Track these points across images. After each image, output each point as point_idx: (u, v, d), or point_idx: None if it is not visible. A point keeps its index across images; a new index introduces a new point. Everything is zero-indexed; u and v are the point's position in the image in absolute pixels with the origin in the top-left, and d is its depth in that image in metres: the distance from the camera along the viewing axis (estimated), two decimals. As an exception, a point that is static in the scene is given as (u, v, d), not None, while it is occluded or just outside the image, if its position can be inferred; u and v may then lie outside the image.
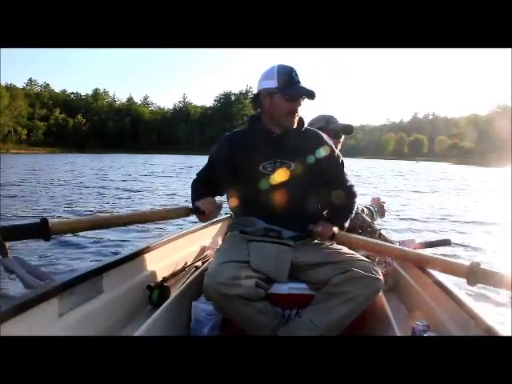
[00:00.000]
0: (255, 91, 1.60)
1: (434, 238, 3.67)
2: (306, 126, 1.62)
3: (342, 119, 2.10)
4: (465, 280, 1.41)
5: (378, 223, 2.36)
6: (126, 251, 1.76)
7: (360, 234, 1.97)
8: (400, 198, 11.30)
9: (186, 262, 2.08)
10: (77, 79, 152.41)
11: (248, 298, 1.33)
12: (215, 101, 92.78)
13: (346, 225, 1.65)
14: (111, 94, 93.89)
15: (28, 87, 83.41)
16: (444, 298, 1.42)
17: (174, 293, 1.64)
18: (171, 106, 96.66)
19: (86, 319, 1.31)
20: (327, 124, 2.05)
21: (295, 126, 1.55)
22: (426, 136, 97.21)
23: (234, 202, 1.61)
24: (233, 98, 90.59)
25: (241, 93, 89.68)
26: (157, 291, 1.68)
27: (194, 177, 1.74)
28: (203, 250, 2.43)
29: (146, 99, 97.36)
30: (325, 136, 1.65)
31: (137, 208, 8.19)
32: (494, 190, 15.70)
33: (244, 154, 1.56)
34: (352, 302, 1.37)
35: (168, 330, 1.45)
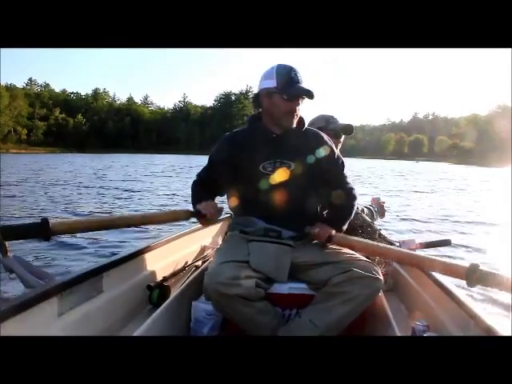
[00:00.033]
0: (256, 91, 1.60)
1: (434, 238, 3.67)
2: (306, 125, 1.62)
3: (342, 119, 2.10)
4: (464, 280, 1.41)
5: (379, 223, 2.36)
6: (125, 251, 1.76)
7: (360, 233, 1.96)
8: (400, 198, 11.30)
9: (186, 262, 2.08)
10: (77, 79, 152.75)
11: (248, 298, 1.33)
12: (215, 101, 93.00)
13: (344, 227, 1.62)
14: (111, 94, 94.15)
15: (28, 87, 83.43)
16: (444, 298, 1.42)
17: (174, 292, 1.64)
18: (171, 106, 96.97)
19: (86, 318, 1.31)
20: (327, 124, 2.04)
21: (295, 125, 1.55)
22: (426, 136, 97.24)
23: (234, 201, 1.61)
24: (233, 97, 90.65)
25: (241, 93, 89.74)
26: (157, 291, 1.68)
27: (194, 178, 1.73)
28: (203, 249, 2.43)
29: (145, 99, 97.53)
30: (325, 136, 1.65)
31: (136, 208, 8.19)
32: (494, 190, 15.70)
33: (244, 154, 1.56)
34: (352, 301, 1.37)
35: (168, 330, 1.45)
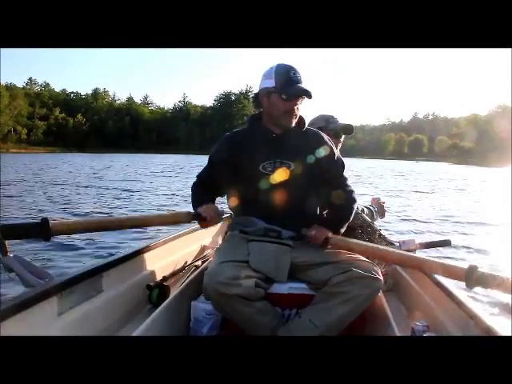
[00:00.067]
0: (256, 91, 1.60)
1: (434, 238, 3.67)
2: (306, 125, 1.62)
3: (342, 119, 2.10)
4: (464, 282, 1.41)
5: (379, 223, 2.36)
6: (125, 251, 1.76)
7: (360, 234, 1.96)
8: (400, 198, 11.30)
9: (186, 262, 2.08)
10: (77, 79, 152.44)
11: (247, 298, 1.33)
12: (215, 101, 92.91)
13: (342, 230, 1.60)
14: (111, 94, 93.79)
15: (28, 87, 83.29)
16: (444, 299, 1.43)
17: (174, 292, 1.64)
18: (171, 106, 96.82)
19: (86, 318, 1.31)
20: (327, 124, 2.04)
21: (294, 125, 1.54)
22: (426, 136, 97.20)
23: (234, 201, 1.61)
24: (233, 97, 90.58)
25: (241, 93, 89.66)
26: (156, 290, 1.68)
27: (195, 179, 1.73)
28: (203, 249, 2.43)
29: (145, 99, 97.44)
30: (325, 136, 1.65)
31: (136, 208, 8.19)
32: (494, 190, 15.70)
33: (244, 154, 1.56)
34: (352, 301, 1.37)
35: (167, 330, 1.45)
